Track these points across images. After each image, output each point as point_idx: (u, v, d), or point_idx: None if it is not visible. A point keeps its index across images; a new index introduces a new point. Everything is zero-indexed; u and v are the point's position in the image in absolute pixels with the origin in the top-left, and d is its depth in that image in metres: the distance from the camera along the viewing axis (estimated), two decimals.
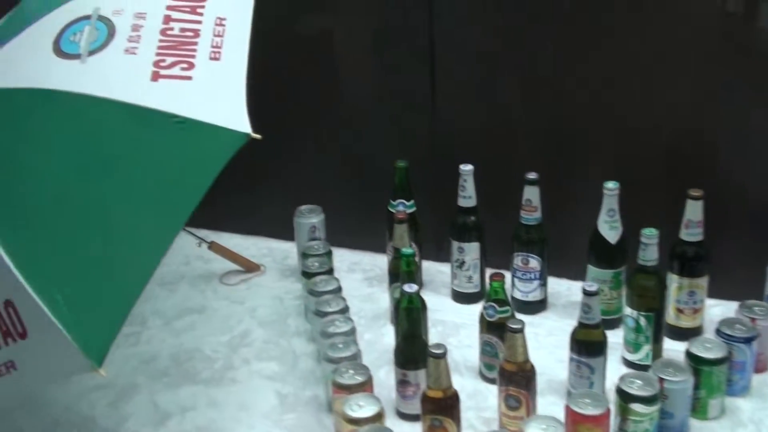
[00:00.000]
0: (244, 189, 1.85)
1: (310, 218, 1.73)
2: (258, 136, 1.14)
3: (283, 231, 1.91)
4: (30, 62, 1.25)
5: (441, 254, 1.76)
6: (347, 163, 1.86)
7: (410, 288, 1.29)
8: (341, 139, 1.85)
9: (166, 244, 1.14)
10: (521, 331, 1.22)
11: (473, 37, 1.65)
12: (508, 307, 1.36)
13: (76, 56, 1.22)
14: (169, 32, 1.26)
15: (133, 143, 1.17)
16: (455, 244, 1.62)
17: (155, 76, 1.19)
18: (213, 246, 1.78)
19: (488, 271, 1.64)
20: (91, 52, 1.22)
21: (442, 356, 1.18)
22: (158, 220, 1.14)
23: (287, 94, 1.81)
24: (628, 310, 1.41)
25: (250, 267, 1.84)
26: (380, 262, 1.81)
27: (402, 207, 1.61)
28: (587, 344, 1.30)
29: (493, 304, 1.36)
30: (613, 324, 1.48)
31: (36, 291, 1.12)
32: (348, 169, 1.86)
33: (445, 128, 1.73)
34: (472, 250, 1.61)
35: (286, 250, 1.91)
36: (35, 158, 1.18)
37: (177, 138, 1.16)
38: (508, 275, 1.55)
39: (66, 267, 1.14)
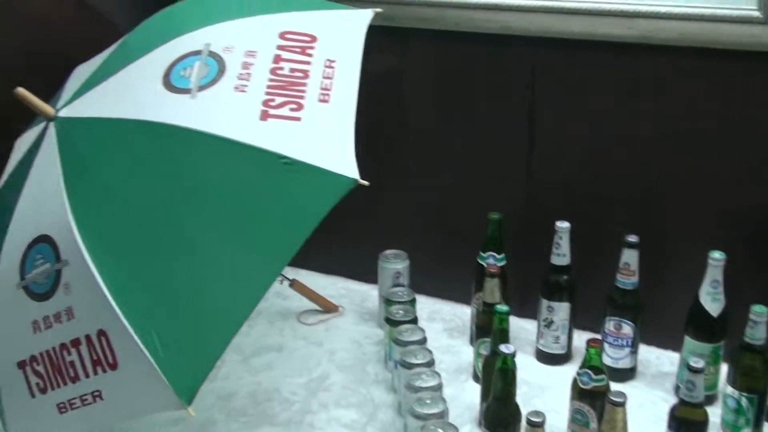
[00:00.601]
0: (325, 227, 1.83)
1: (395, 264, 1.71)
2: (366, 182, 1.12)
3: (362, 272, 1.90)
4: (140, 94, 1.26)
5: (524, 309, 1.71)
6: (434, 209, 1.83)
7: (507, 349, 1.25)
8: (430, 185, 1.83)
9: (265, 286, 1.13)
10: (623, 404, 1.17)
11: (576, 91, 1.62)
12: (603, 376, 1.31)
13: (186, 91, 1.22)
14: (278, 72, 1.25)
15: (240, 182, 1.15)
16: (544, 303, 1.57)
17: (264, 115, 1.19)
18: (294, 284, 1.76)
19: (576, 333, 1.60)
20: (201, 88, 1.22)
21: (540, 425, 1.13)
22: (259, 262, 1.13)
23: (380, 136, 1.79)
24: (729, 389, 1.34)
25: (328, 307, 1.81)
26: (461, 312, 1.77)
27: (492, 260, 1.57)
28: (688, 423, 1.24)
29: (588, 371, 1.31)
30: (707, 400, 1.41)
31: (130, 323, 1.11)
32: (434, 215, 1.83)
33: (541, 181, 1.69)
34: (561, 310, 1.56)
35: (364, 293, 1.89)
36: (140, 191, 1.18)
37: (283, 179, 1.14)
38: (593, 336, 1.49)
39: (162, 302, 1.13)
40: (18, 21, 1.72)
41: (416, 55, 1.79)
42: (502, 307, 1.34)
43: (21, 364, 1.23)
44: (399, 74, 1.81)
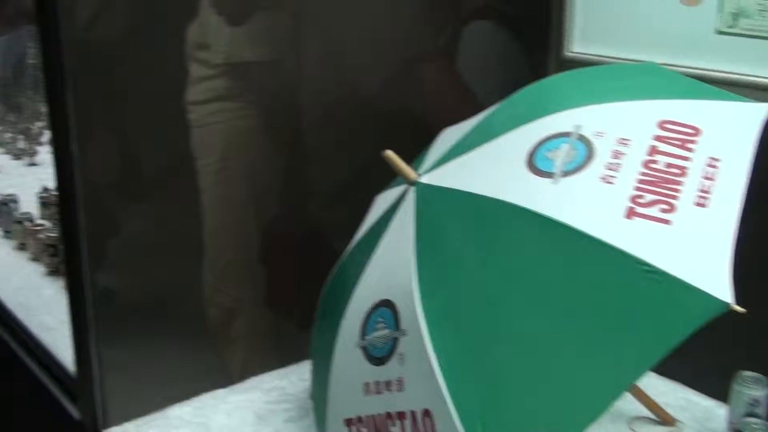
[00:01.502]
0: None
1: (752, 389, 1.48)
2: (741, 309, 0.96)
3: (709, 386, 1.68)
4: (501, 172, 1.22)
5: None
6: None
7: None
8: None
9: (606, 402, 1.02)
10: None
11: None
12: None
13: (549, 175, 1.16)
14: (652, 165, 1.14)
15: (593, 284, 1.06)
16: None
17: (630, 213, 1.08)
18: (633, 388, 1.61)
19: None
20: (566, 173, 1.15)
21: None
22: (603, 374, 1.02)
23: (753, 243, 1.58)
24: None
25: (665, 419, 1.63)
26: None
27: None
28: None
29: None
30: None
31: (457, 408, 1.08)
32: None
33: None
34: None
35: (708, 410, 1.66)
36: (486, 273, 1.14)
37: (642, 290, 1.02)
38: None
39: (493, 393, 1.08)
40: (409, 86, 1.80)
41: None
42: None
43: (348, 422, 1.26)
44: None
